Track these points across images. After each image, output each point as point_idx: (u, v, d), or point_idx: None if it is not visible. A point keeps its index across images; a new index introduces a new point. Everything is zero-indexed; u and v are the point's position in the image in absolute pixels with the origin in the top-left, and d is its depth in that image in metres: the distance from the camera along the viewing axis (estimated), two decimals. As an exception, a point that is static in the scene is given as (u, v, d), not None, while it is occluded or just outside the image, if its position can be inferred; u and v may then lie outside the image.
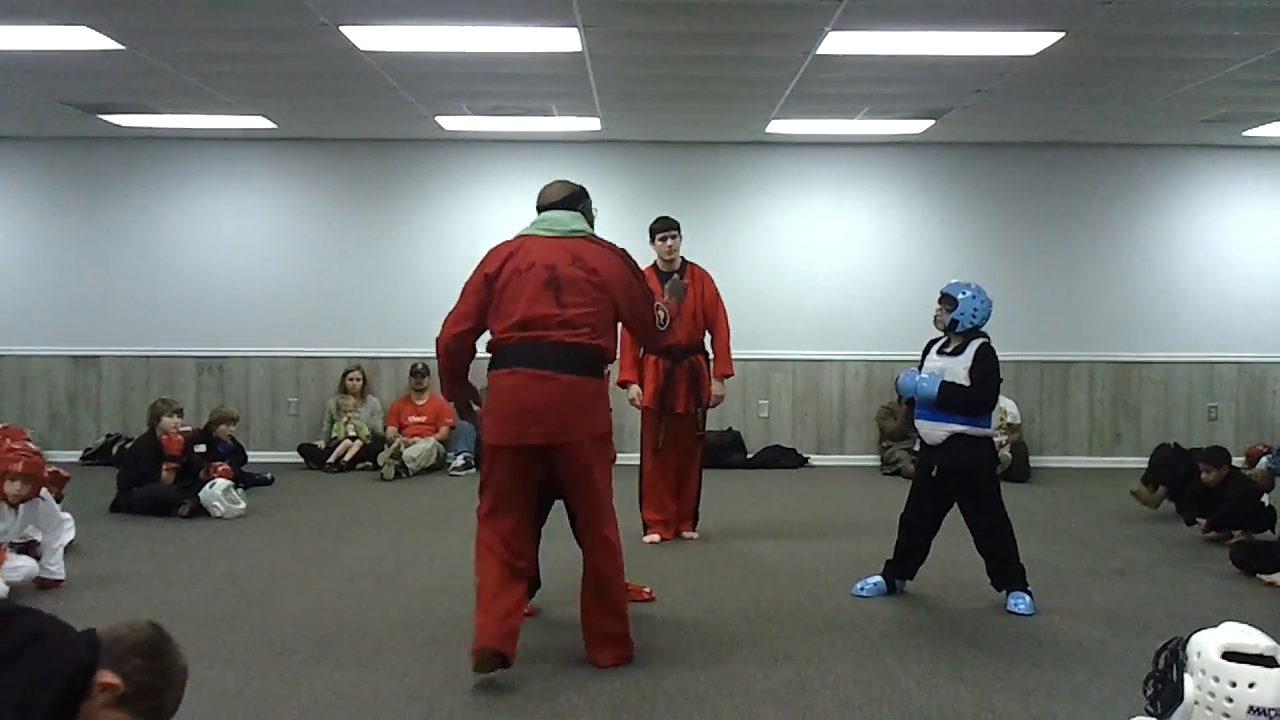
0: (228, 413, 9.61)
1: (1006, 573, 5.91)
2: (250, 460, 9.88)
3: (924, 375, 5.98)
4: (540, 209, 4.95)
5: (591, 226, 4.97)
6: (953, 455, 5.87)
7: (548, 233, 4.82)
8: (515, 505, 4.82)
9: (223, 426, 9.36)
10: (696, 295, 7.52)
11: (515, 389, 4.68)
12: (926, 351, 6.17)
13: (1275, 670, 3.03)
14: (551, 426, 4.64)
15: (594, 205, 5.09)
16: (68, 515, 6.91)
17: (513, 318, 4.70)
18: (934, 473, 5.96)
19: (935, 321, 6.10)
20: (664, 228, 7.54)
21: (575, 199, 4.95)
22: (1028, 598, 5.83)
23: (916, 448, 6.16)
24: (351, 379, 10.82)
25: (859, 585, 6.15)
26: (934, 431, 5.91)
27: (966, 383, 5.87)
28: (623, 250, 4.91)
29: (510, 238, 4.95)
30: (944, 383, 5.87)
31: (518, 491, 4.81)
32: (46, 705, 2.66)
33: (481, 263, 4.87)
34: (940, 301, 6.05)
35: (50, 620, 2.85)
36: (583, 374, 4.68)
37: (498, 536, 4.76)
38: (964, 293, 6.00)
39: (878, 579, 6.15)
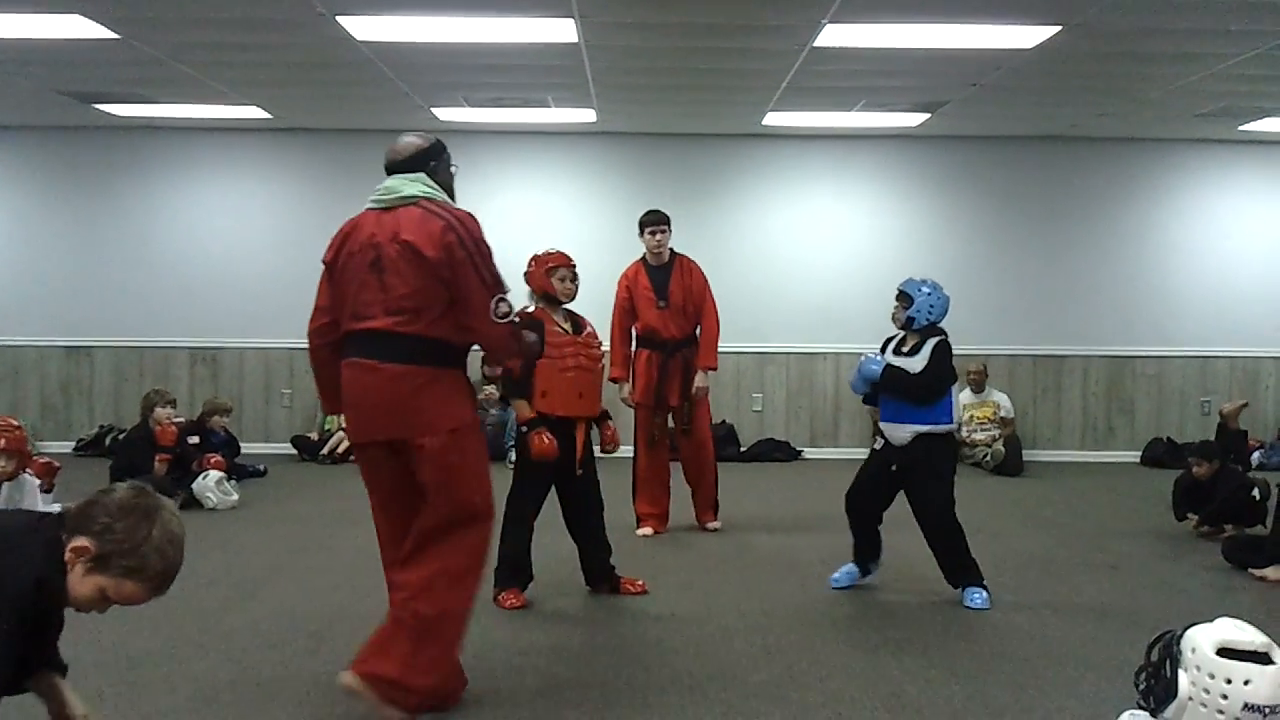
0: (221, 403, 9.60)
1: (960, 569, 5.92)
2: (243, 452, 9.86)
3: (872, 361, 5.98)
4: (388, 173, 4.29)
5: (445, 188, 4.27)
6: (916, 455, 5.86)
7: (379, 204, 4.23)
8: (382, 510, 4.31)
9: (216, 417, 9.35)
10: (684, 287, 7.50)
11: (349, 382, 4.17)
12: (884, 349, 6.14)
13: (1270, 667, 3.03)
14: (385, 421, 4.09)
15: (452, 161, 4.37)
16: (59, 506, 6.91)
17: (346, 307, 4.16)
18: (894, 468, 5.96)
19: (893, 318, 6.08)
20: (653, 221, 7.51)
21: (419, 158, 4.26)
22: (984, 593, 5.83)
23: (877, 445, 6.13)
24: None
25: (834, 577, 6.16)
26: (898, 432, 5.90)
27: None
28: (459, 216, 4.12)
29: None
30: (888, 365, 5.90)
31: (381, 493, 4.28)
32: (16, 621, 2.67)
33: (327, 247, 4.35)
34: (897, 299, 6.03)
35: (11, 514, 2.80)
36: (412, 363, 4.03)
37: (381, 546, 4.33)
38: (921, 290, 5.97)
39: (850, 567, 6.17)
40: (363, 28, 6.90)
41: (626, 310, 7.55)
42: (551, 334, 5.61)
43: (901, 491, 5.98)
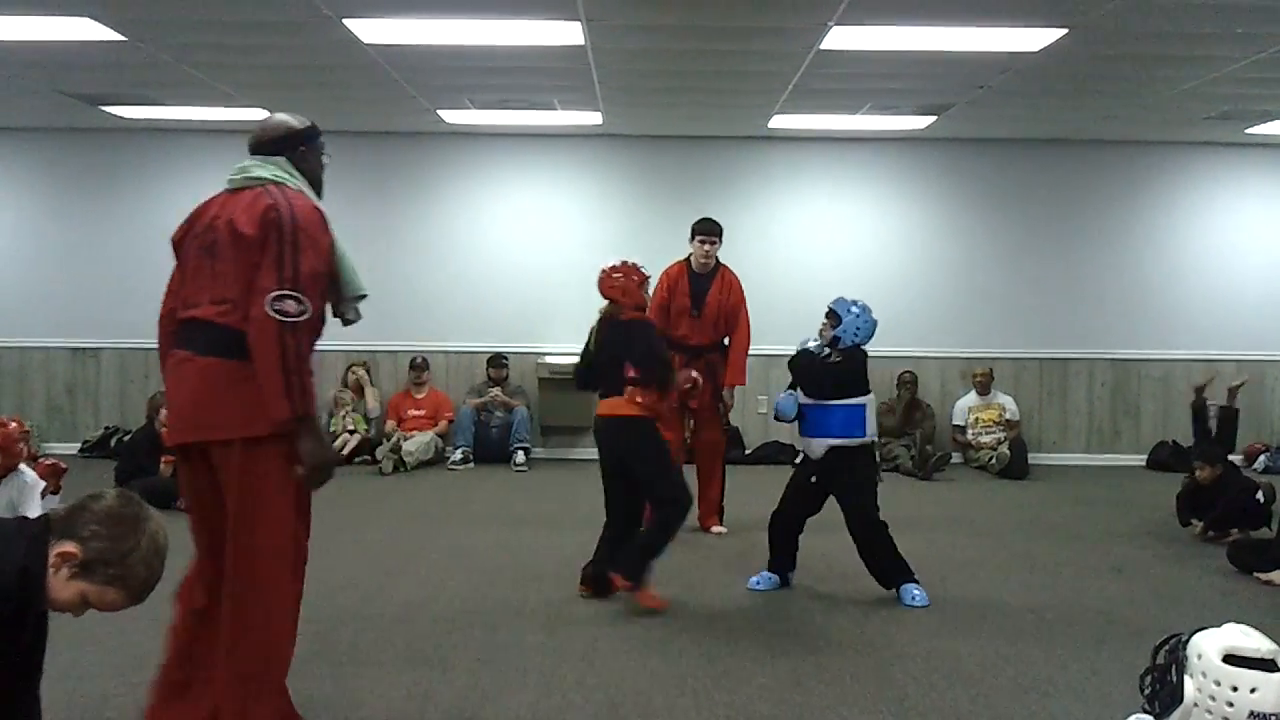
0: None
1: (891, 570, 5.97)
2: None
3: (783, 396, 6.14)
4: (250, 153, 3.90)
5: (309, 177, 3.85)
6: (832, 467, 5.99)
7: (229, 185, 3.80)
8: (200, 523, 3.72)
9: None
10: (720, 300, 7.57)
11: (167, 375, 3.75)
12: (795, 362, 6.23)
13: (1276, 674, 3.02)
14: (189, 420, 3.63)
15: (326, 150, 3.97)
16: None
17: (180, 292, 3.79)
18: (813, 480, 6.07)
19: (820, 334, 6.16)
20: (706, 231, 7.56)
21: (284, 141, 3.84)
22: (918, 589, 5.89)
23: (798, 460, 6.30)
24: (351, 373, 10.80)
25: (754, 580, 6.21)
26: (815, 446, 6.03)
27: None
28: (297, 204, 3.62)
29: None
30: (801, 351, 6.09)
31: (194, 508, 3.75)
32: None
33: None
34: (826, 316, 6.12)
35: None
36: (226, 356, 3.54)
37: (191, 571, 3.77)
38: (850, 310, 6.05)
39: (771, 575, 6.22)
40: (369, 30, 6.91)
41: (664, 309, 7.58)
42: None
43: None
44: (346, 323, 3.86)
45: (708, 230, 7.55)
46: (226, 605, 3.56)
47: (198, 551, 3.76)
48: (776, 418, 6.25)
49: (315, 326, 3.57)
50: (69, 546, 2.74)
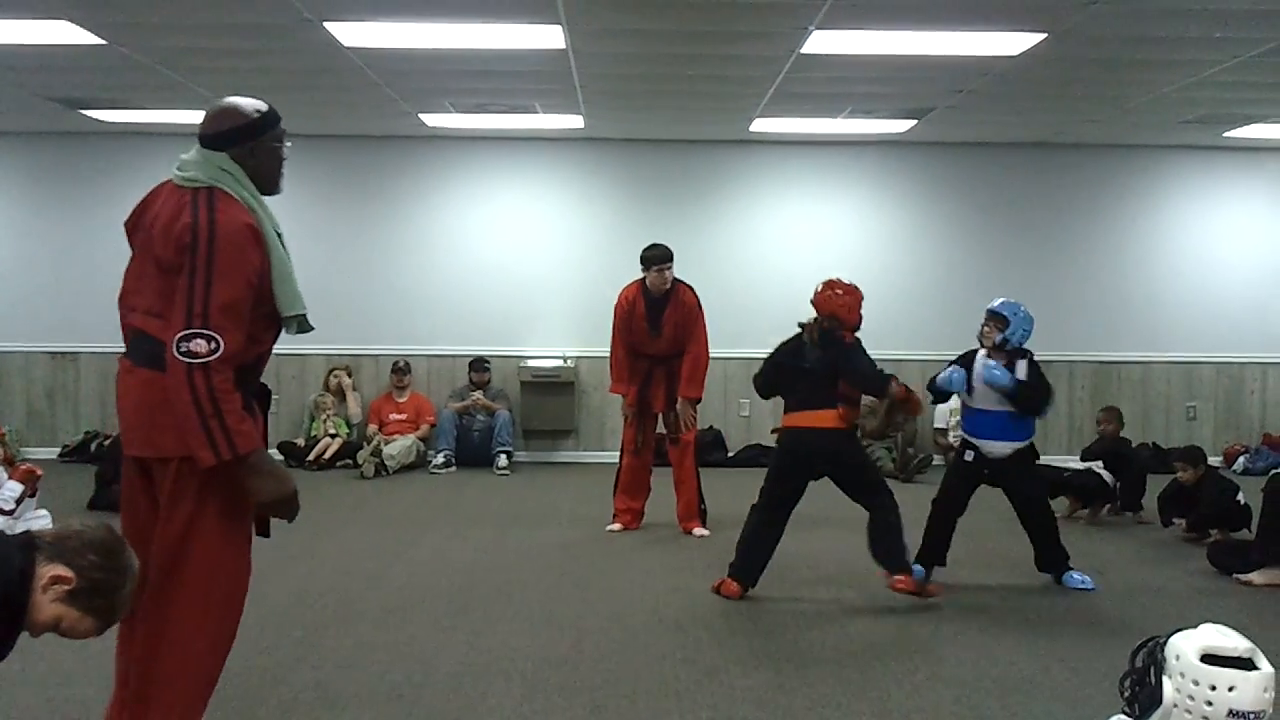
0: None
1: (1059, 557, 6.50)
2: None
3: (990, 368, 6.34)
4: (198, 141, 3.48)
5: (257, 174, 3.44)
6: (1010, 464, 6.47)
7: (174, 179, 3.42)
8: (133, 534, 3.31)
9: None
10: (676, 320, 7.58)
11: (116, 381, 3.50)
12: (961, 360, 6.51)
13: (1255, 673, 3.04)
14: (133, 432, 3.38)
15: (283, 139, 3.56)
16: (44, 512, 6.90)
17: (123, 288, 3.48)
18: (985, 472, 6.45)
19: (981, 338, 6.44)
20: (661, 259, 7.54)
21: (232, 134, 3.42)
22: (1080, 574, 6.38)
23: (969, 457, 6.54)
24: (335, 378, 10.77)
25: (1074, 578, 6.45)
26: (997, 448, 6.43)
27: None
28: (220, 219, 3.25)
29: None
30: (1018, 380, 6.31)
31: (128, 519, 3.45)
32: None
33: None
34: (989, 320, 6.40)
35: None
36: (162, 371, 3.24)
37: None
38: (1017, 313, 6.37)
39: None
40: (349, 33, 6.90)
41: (624, 327, 7.63)
42: None
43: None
44: (292, 332, 3.54)
45: (662, 258, 7.53)
46: (140, 627, 3.31)
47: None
48: (945, 390, 6.41)
49: (236, 354, 3.24)
50: (63, 571, 2.73)
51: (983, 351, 6.40)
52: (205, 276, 3.18)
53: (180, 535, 3.28)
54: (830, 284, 6.08)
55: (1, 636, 2.78)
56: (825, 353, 5.97)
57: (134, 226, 3.47)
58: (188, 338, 3.15)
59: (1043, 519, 6.51)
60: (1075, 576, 6.37)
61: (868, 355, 6.02)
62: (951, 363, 6.50)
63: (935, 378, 6.49)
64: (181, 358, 3.14)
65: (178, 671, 3.31)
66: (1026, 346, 6.41)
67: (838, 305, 6.00)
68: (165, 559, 3.28)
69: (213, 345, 3.15)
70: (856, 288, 6.10)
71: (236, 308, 3.23)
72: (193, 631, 3.31)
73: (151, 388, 3.28)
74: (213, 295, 3.18)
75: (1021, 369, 6.33)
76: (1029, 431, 6.44)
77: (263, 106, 3.51)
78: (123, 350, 3.43)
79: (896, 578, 5.78)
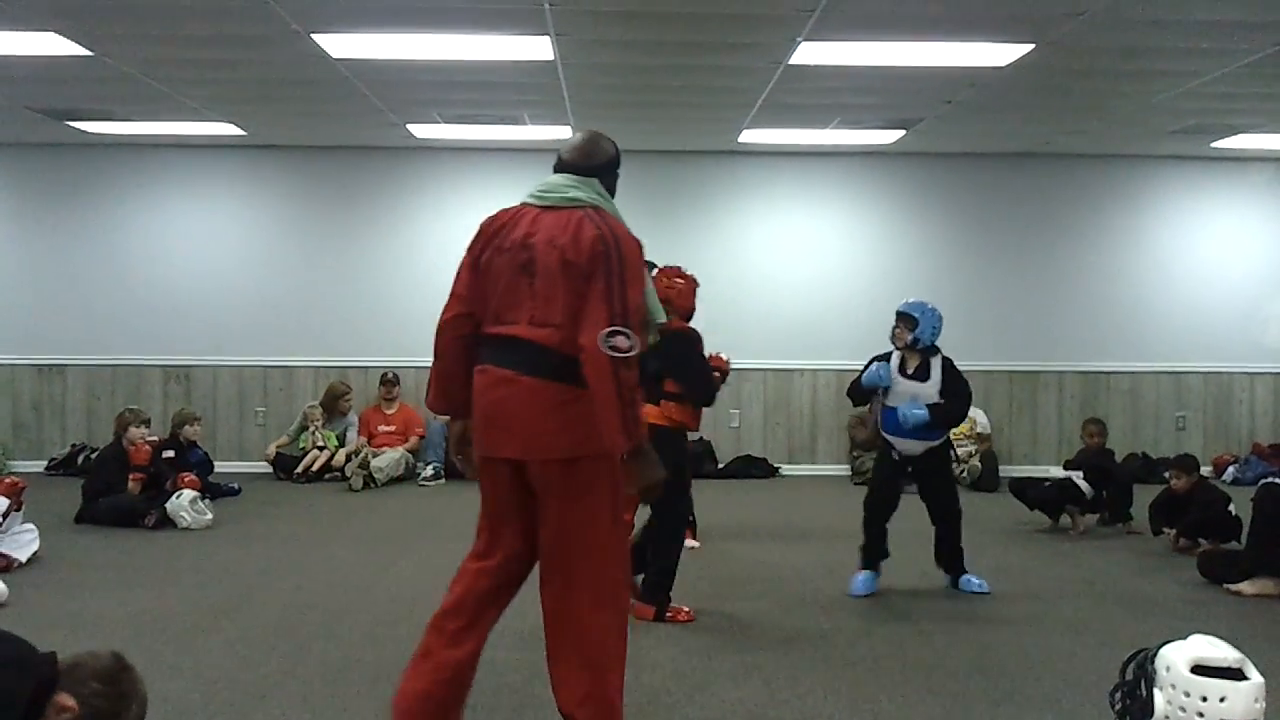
0: (190, 413, 9.48)
1: (958, 558, 6.56)
2: (217, 470, 9.80)
3: (906, 404, 6.28)
4: (555, 169, 3.93)
5: (607, 198, 3.89)
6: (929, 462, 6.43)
7: (539, 201, 3.83)
8: (489, 527, 3.97)
9: (187, 427, 9.23)
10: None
11: (481, 390, 3.82)
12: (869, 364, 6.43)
13: (1244, 683, 3.04)
14: (513, 439, 3.74)
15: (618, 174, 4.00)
16: (31, 526, 6.86)
17: (489, 306, 3.83)
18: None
19: (894, 339, 6.36)
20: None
21: (602, 166, 3.89)
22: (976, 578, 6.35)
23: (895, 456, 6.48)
24: (345, 400, 10.72)
25: (853, 585, 6.34)
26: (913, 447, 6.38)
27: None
28: (619, 232, 3.72)
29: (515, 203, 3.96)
30: (931, 406, 6.23)
31: (502, 514, 3.93)
32: None
33: (474, 235, 4.01)
34: (899, 321, 6.31)
35: (10, 641, 2.87)
36: (552, 379, 3.66)
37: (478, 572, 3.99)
38: (924, 311, 6.27)
39: (866, 574, 6.37)
40: (338, 45, 6.89)
41: None
42: None
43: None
44: (651, 339, 3.97)
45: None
46: (563, 604, 3.80)
47: (489, 548, 3.98)
48: (870, 387, 6.39)
49: (639, 359, 3.65)
50: (69, 701, 2.86)
51: (894, 394, 6.34)
52: (620, 280, 3.60)
53: (575, 515, 3.71)
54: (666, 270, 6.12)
55: None
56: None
57: (485, 246, 3.85)
58: (612, 334, 3.53)
59: (952, 519, 6.54)
60: (973, 580, 6.43)
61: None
62: (870, 361, 6.44)
63: (859, 379, 6.44)
64: (607, 351, 3.51)
65: (611, 623, 3.79)
66: (937, 344, 6.39)
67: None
68: (562, 549, 3.74)
69: (630, 343, 3.55)
70: (688, 275, 6.13)
71: (642, 312, 3.72)
72: (610, 587, 3.79)
73: (543, 396, 3.67)
74: (628, 297, 3.61)
75: (935, 367, 6.30)
76: (942, 431, 6.44)
77: (616, 143, 3.97)
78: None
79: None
